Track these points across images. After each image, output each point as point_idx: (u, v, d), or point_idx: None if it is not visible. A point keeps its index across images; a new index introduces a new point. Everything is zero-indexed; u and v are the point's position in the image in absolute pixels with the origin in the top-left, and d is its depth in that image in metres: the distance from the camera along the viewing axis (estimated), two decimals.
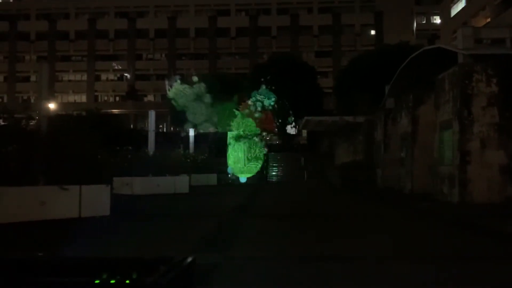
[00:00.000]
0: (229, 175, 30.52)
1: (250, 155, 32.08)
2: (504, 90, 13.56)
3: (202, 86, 38.19)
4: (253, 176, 31.60)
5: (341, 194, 20.02)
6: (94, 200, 9.71)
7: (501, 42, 16.19)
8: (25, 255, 4.73)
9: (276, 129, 34.51)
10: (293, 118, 34.36)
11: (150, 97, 67.98)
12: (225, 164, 31.52)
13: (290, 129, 39.66)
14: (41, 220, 8.52)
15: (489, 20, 36.61)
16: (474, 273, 5.12)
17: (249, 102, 34.23)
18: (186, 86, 38.86)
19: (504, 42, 15.76)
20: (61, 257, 4.12)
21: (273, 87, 37.10)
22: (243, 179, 30.80)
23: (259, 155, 32.16)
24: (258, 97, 34.07)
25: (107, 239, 7.24)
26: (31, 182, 9.00)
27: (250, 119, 32.56)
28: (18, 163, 9.18)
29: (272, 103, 34.40)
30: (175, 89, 39.23)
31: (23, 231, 7.78)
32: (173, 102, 39.03)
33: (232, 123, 34.09)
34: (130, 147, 19.82)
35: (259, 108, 33.12)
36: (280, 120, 37.07)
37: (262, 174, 32.77)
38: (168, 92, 41.06)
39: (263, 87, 35.42)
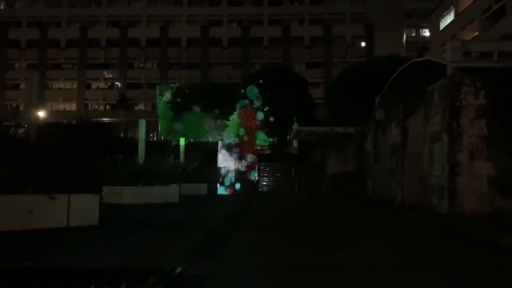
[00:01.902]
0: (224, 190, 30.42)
1: (241, 164, 32.04)
2: (492, 102, 13.75)
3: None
4: (243, 186, 31.50)
5: (332, 204, 20.04)
6: (83, 209, 9.61)
7: (489, 55, 16.45)
8: (12, 265, 4.64)
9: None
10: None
11: (141, 106, 67.74)
12: (216, 174, 31.42)
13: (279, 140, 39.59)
14: (28, 229, 8.39)
15: (477, 33, 37.24)
16: (463, 283, 5.14)
17: (239, 110, 34.13)
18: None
19: (492, 55, 16.01)
20: (48, 267, 4.06)
21: (266, 96, 37.08)
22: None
23: (250, 164, 32.13)
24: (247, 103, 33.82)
25: (95, 249, 7.15)
26: (19, 190, 8.88)
27: (241, 129, 32.57)
28: (6, 171, 9.06)
29: (259, 106, 33.90)
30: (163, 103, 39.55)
31: (10, 240, 7.66)
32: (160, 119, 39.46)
33: (223, 132, 34.06)
34: (120, 156, 19.70)
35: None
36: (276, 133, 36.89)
37: (252, 183, 32.71)
38: (158, 101, 41.18)
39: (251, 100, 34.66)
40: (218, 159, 32.06)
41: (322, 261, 6.47)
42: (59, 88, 68.39)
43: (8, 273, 2.89)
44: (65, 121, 37.80)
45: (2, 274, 2.88)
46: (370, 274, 5.61)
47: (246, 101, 33.38)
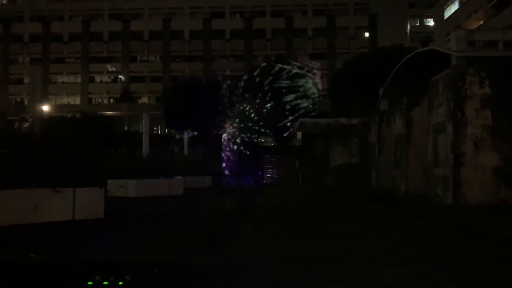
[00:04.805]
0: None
1: (245, 157, 32.09)
2: (497, 92, 13.65)
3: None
4: (248, 178, 31.56)
5: (336, 196, 20.05)
6: (88, 202, 9.66)
7: (494, 44, 16.32)
8: (18, 258, 4.69)
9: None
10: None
11: (145, 99, 67.80)
12: (220, 166, 31.50)
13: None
14: (34, 223, 8.46)
15: (482, 22, 36.91)
16: (468, 275, 5.15)
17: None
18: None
19: (497, 45, 15.88)
20: (54, 260, 4.10)
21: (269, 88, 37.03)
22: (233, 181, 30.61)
23: (254, 157, 32.17)
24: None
25: (101, 242, 7.21)
26: (24, 185, 8.94)
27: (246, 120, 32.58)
28: (11, 166, 9.11)
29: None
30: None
31: (16, 234, 7.72)
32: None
33: (227, 125, 34.11)
34: (124, 149, 19.79)
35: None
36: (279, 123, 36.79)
37: (257, 176, 32.78)
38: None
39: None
40: (222, 151, 32.13)
41: (329, 254, 6.49)
42: (63, 82, 68.49)
43: (16, 267, 2.92)
44: (69, 115, 37.93)
45: (10, 267, 2.91)
46: (376, 266, 5.62)
47: None
